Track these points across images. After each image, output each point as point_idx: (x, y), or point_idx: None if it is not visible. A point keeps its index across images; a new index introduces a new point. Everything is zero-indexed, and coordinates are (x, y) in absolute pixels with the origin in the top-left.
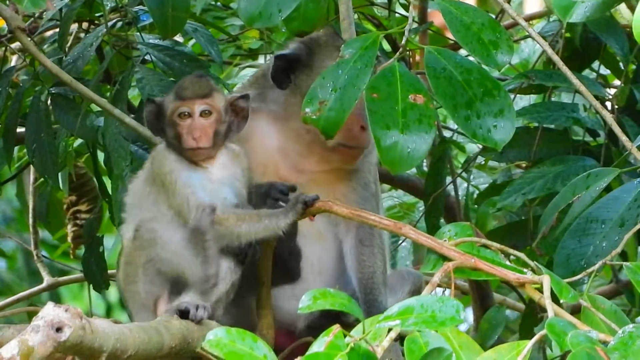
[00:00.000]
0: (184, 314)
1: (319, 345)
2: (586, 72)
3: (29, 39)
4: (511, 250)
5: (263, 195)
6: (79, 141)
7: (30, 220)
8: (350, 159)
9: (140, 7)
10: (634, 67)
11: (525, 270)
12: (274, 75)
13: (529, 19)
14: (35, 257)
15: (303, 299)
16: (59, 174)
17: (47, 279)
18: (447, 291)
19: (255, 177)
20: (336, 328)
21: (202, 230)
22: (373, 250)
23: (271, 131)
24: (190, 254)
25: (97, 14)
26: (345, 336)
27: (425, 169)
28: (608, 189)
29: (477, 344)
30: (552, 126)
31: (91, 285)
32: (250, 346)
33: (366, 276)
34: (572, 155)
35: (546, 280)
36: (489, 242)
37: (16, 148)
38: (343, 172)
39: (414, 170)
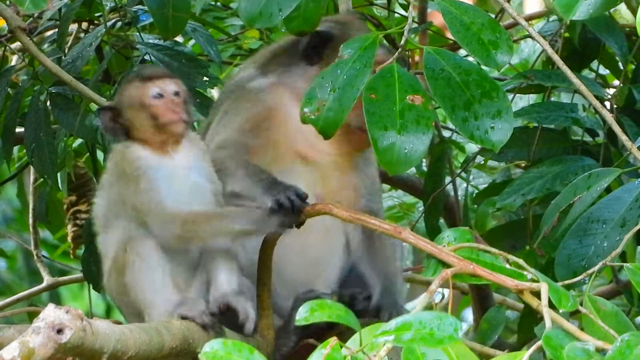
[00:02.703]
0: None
1: (316, 358)
2: (585, 72)
3: (29, 38)
4: (510, 256)
5: (271, 190)
6: (78, 141)
7: (31, 220)
8: (363, 144)
9: (140, 7)
10: (633, 67)
11: (525, 273)
12: (305, 50)
13: (528, 18)
14: (35, 257)
15: (300, 311)
16: (58, 174)
17: (47, 279)
18: (446, 291)
19: (275, 155)
20: (333, 340)
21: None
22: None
23: (294, 107)
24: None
25: (96, 14)
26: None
27: (425, 168)
28: (608, 189)
29: (474, 354)
30: (552, 126)
31: (91, 285)
32: (246, 358)
33: (382, 264)
34: (571, 155)
35: (544, 288)
36: (488, 248)
37: (16, 148)
38: (356, 161)
39: (413, 170)
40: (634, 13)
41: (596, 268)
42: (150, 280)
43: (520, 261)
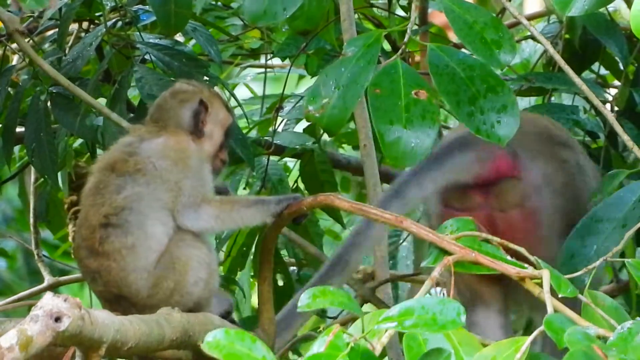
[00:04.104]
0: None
1: (319, 346)
2: (585, 73)
3: (28, 40)
4: (512, 245)
5: None
6: (78, 141)
7: (31, 220)
8: None
9: (140, 6)
10: (633, 68)
11: (526, 265)
12: None
13: (529, 19)
14: (36, 257)
15: (302, 298)
16: (59, 174)
17: (47, 279)
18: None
19: None
20: (336, 327)
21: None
22: None
23: None
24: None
25: (96, 14)
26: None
27: None
28: None
29: (477, 340)
30: None
31: None
32: (249, 347)
33: None
34: None
35: (545, 274)
36: (490, 236)
37: (17, 147)
38: None
39: None
40: None
41: (597, 263)
42: (214, 276)
43: (522, 250)
